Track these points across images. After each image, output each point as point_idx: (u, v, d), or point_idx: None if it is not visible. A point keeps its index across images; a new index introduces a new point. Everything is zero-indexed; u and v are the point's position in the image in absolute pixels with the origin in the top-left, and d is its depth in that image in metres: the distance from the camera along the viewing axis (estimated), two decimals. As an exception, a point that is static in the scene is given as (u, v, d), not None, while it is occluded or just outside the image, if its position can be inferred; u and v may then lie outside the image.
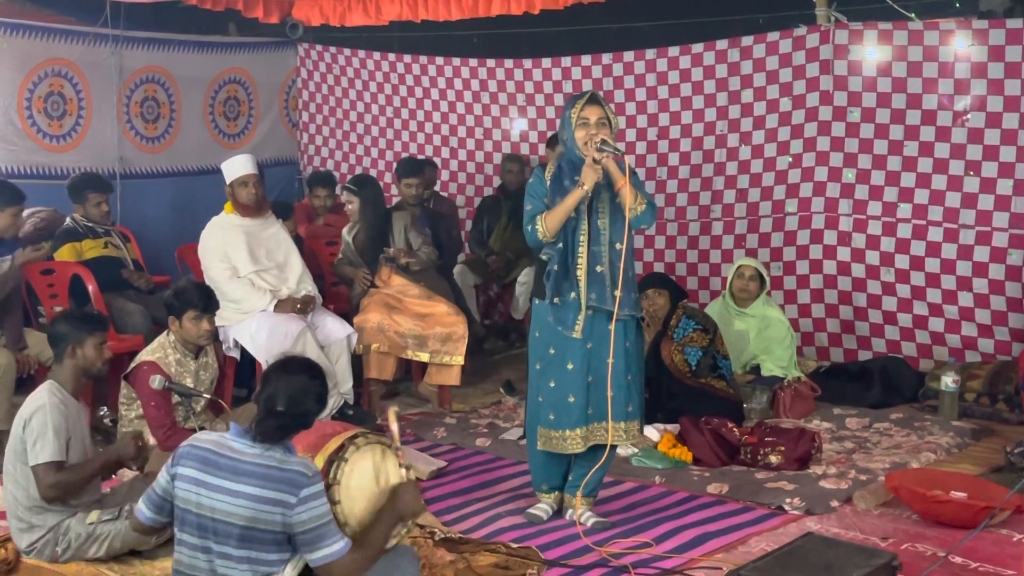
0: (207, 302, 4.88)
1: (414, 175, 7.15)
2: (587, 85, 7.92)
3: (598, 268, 4.45)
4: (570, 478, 4.71)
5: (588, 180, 4.34)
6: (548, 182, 4.52)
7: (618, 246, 4.43)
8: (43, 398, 4.01)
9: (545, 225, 4.41)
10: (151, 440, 4.55)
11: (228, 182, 6.14)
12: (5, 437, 5.46)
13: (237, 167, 6.15)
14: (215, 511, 3.20)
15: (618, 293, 4.41)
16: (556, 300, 4.47)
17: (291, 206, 7.35)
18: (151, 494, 3.39)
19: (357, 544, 3.28)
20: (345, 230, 6.86)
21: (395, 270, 6.64)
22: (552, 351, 4.53)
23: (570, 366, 4.49)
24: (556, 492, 4.77)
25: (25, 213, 6.77)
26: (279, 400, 3.25)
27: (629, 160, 4.47)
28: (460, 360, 6.41)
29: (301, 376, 3.34)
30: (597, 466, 4.53)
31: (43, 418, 3.95)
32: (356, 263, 6.72)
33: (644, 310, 6.01)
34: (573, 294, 4.47)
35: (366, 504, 3.44)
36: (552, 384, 4.53)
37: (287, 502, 3.15)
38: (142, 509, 3.42)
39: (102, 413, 5.16)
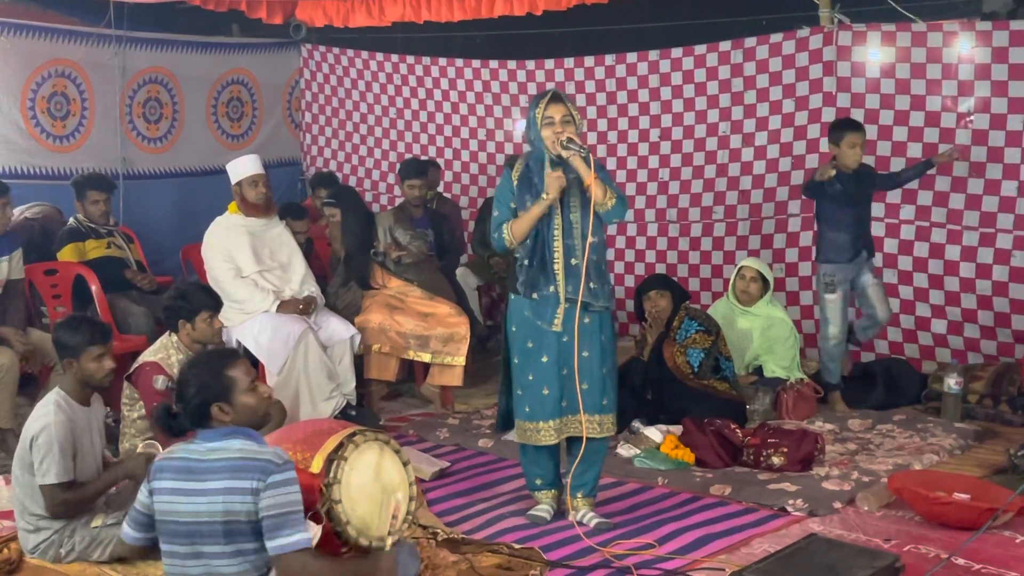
0: (216, 300, 4.89)
1: (417, 176, 7.16)
2: (590, 86, 7.93)
3: (572, 261, 4.52)
4: (566, 480, 4.72)
5: (552, 189, 4.45)
6: (515, 182, 4.59)
7: (591, 239, 4.49)
8: (49, 414, 3.99)
9: (512, 232, 4.55)
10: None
11: (236, 181, 6.14)
12: (8, 435, 5.51)
13: (246, 166, 6.16)
14: (198, 514, 3.19)
15: (594, 285, 4.49)
16: (535, 295, 4.54)
17: (304, 208, 7.37)
18: (134, 514, 3.37)
19: (323, 556, 3.23)
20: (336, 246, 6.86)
21: (389, 271, 6.65)
22: (530, 344, 4.59)
23: (545, 359, 4.55)
24: (553, 491, 4.79)
25: (22, 207, 6.78)
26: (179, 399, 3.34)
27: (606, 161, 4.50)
28: (462, 361, 6.41)
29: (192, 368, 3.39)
30: (578, 460, 4.57)
31: (49, 438, 3.96)
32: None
33: (647, 312, 6.04)
34: (551, 288, 4.53)
35: (367, 502, 3.43)
36: (531, 377, 4.59)
37: (256, 489, 3.14)
38: (127, 531, 3.40)
39: (104, 414, 5.16)
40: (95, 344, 4.11)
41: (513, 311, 4.66)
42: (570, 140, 4.43)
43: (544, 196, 4.46)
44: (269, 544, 3.14)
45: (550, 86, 8.11)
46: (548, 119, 4.49)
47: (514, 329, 4.65)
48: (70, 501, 4.01)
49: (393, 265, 6.65)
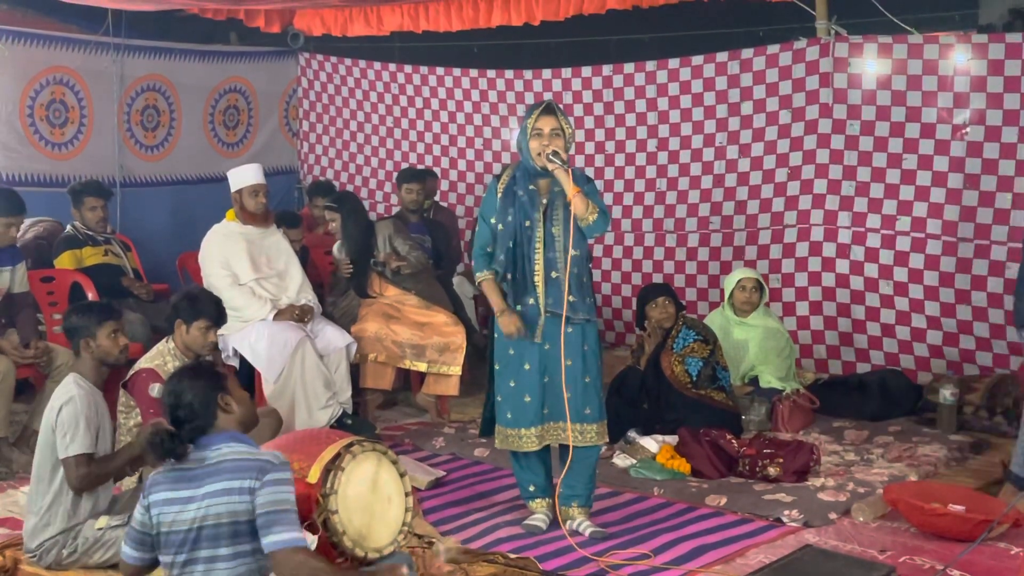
0: (219, 315, 4.87)
1: (415, 180, 7.18)
2: (587, 96, 7.94)
3: (553, 274, 4.57)
4: (560, 490, 4.73)
5: (505, 328, 4.58)
6: (500, 195, 4.64)
7: (573, 252, 4.52)
8: (71, 391, 4.08)
9: (481, 286, 4.71)
10: None
11: (236, 189, 6.15)
12: (2, 444, 5.51)
13: (248, 175, 6.17)
14: (195, 520, 3.18)
15: (573, 298, 4.54)
16: (518, 307, 4.61)
17: (299, 216, 7.39)
18: (131, 532, 3.35)
19: (321, 559, 3.22)
20: (335, 248, 6.89)
21: (387, 280, 6.65)
22: (512, 352, 4.65)
23: (527, 367, 4.62)
24: (547, 499, 4.80)
25: (27, 223, 6.78)
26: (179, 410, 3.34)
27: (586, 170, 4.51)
28: (458, 370, 6.41)
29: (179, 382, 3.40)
30: (566, 468, 4.58)
31: (74, 410, 4.03)
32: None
33: (652, 319, 6.05)
34: (532, 300, 4.60)
35: (363, 512, 3.43)
36: (512, 384, 4.65)
37: (252, 488, 3.14)
38: (127, 551, 3.37)
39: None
40: (110, 320, 4.26)
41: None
42: (555, 153, 4.47)
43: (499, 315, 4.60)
44: (264, 541, 3.12)
45: (547, 96, 8.17)
46: (536, 131, 4.54)
47: (497, 336, 4.72)
48: (92, 474, 4.06)
49: (391, 274, 6.65)
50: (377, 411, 6.58)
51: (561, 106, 4.77)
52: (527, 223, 4.58)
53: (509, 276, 4.62)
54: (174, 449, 3.28)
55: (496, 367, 4.73)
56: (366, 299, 6.65)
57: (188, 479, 3.23)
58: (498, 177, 4.74)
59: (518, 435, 4.65)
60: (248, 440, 3.33)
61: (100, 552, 4.07)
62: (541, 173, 4.58)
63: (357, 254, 6.64)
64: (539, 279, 4.57)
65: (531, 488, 4.79)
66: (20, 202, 6.00)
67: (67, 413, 4.03)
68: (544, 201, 4.60)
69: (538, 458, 4.75)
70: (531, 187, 4.60)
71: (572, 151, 4.65)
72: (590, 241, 4.80)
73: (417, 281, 6.72)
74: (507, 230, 4.61)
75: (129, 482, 4.58)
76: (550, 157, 4.48)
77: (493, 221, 4.64)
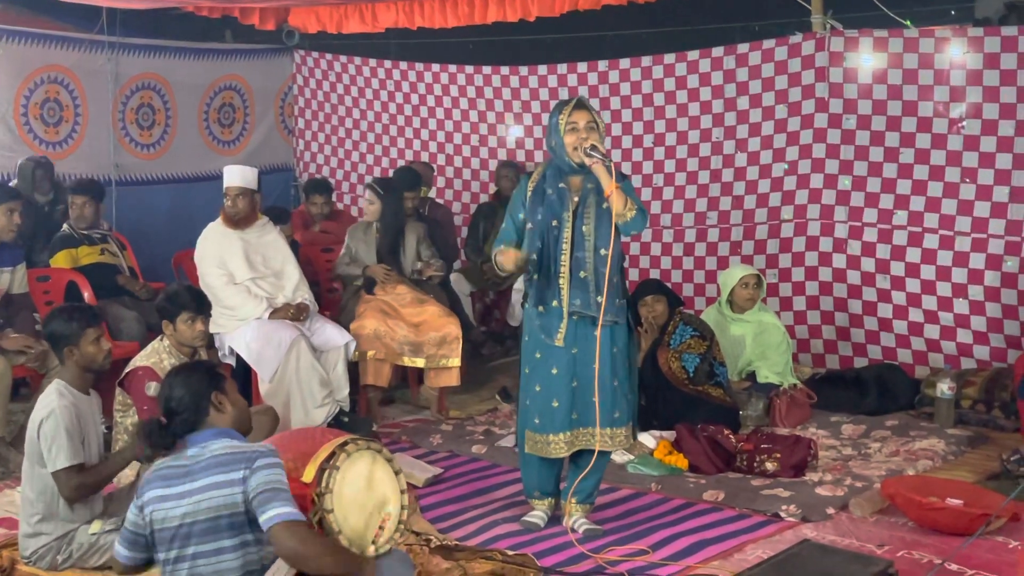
0: (200, 304, 4.89)
1: (411, 188, 7.17)
2: (583, 92, 7.93)
3: (581, 274, 4.44)
4: (563, 485, 4.71)
5: (506, 263, 4.42)
6: (530, 192, 4.52)
7: (603, 252, 4.41)
8: (53, 402, 4.04)
9: (497, 261, 4.49)
10: None
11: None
12: (0, 443, 5.50)
13: (227, 176, 6.15)
14: (186, 516, 3.18)
15: (603, 299, 4.42)
16: (541, 308, 4.50)
17: (287, 212, 7.37)
18: (125, 532, 3.35)
19: (315, 534, 3.21)
20: (350, 231, 6.84)
21: (401, 276, 6.67)
22: (539, 355, 4.53)
23: (554, 371, 4.49)
24: (550, 499, 4.76)
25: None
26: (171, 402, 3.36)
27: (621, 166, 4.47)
28: (457, 361, 6.39)
29: (175, 378, 3.42)
30: (584, 473, 4.53)
31: (55, 422, 3.99)
32: (359, 262, 6.73)
33: (643, 317, 6.03)
34: (555, 302, 4.47)
35: (359, 511, 3.42)
36: (538, 388, 4.53)
37: (244, 478, 3.14)
38: (120, 550, 3.38)
39: (101, 405, 5.15)
40: (91, 326, 4.19)
41: (527, 322, 4.61)
42: (594, 147, 4.36)
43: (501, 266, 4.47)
44: (261, 519, 3.10)
45: (543, 92, 8.17)
46: (572, 124, 4.42)
47: (527, 339, 4.60)
48: (84, 484, 4.04)
49: (415, 276, 6.69)
50: (376, 408, 6.57)
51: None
52: (555, 222, 4.44)
53: (535, 276, 4.49)
54: (164, 441, 3.29)
55: (524, 370, 4.60)
56: (367, 295, 6.64)
57: (180, 476, 3.23)
58: (529, 175, 4.63)
59: (546, 441, 4.52)
60: (240, 437, 3.34)
61: (96, 556, 4.07)
62: (574, 170, 4.46)
63: (388, 247, 6.64)
64: (564, 280, 4.44)
65: (536, 492, 4.75)
66: (12, 189, 6.07)
67: (48, 428, 4.00)
68: (575, 199, 4.47)
69: (553, 464, 4.67)
70: (561, 185, 4.47)
71: (609, 145, 4.50)
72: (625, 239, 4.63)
73: (427, 282, 6.77)
74: (536, 229, 4.47)
75: (127, 476, 4.57)
76: (588, 151, 4.35)
77: (521, 217, 4.52)
